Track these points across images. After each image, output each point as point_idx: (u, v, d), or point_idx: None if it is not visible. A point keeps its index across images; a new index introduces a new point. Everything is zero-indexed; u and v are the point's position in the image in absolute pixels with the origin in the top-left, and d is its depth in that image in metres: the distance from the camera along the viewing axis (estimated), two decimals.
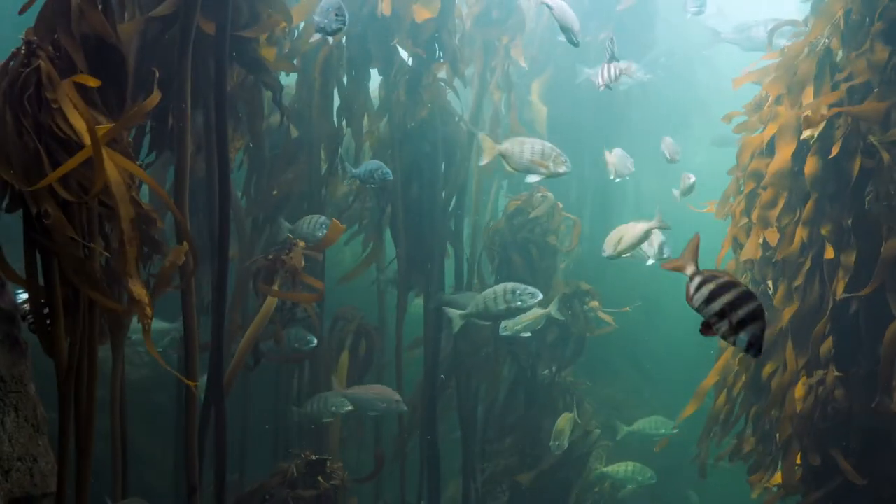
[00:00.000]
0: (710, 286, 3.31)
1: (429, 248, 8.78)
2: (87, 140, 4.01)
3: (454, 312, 7.15)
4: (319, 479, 6.94)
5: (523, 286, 6.64)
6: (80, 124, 4.06)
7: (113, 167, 4.14)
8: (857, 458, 6.21)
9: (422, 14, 8.00)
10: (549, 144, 6.39)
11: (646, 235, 7.31)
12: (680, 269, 3.46)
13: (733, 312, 3.24)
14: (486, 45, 9.48)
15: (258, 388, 8.11)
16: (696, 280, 3.36)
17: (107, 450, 5.07)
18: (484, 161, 6.71)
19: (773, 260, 6.77)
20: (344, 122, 8.41)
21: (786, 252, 6.63)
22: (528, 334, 8.33)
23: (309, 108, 8.30)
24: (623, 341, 10.92)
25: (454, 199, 8.99)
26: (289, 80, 8.41)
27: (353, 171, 7.70)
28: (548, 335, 9.11)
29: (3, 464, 3.75)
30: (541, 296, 6.68)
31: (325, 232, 7.20)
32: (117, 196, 4.12)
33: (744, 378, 7.22)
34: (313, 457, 6.98)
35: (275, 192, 8.02)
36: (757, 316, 3.23)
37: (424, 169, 8.78)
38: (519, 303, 6.50)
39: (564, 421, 8.29)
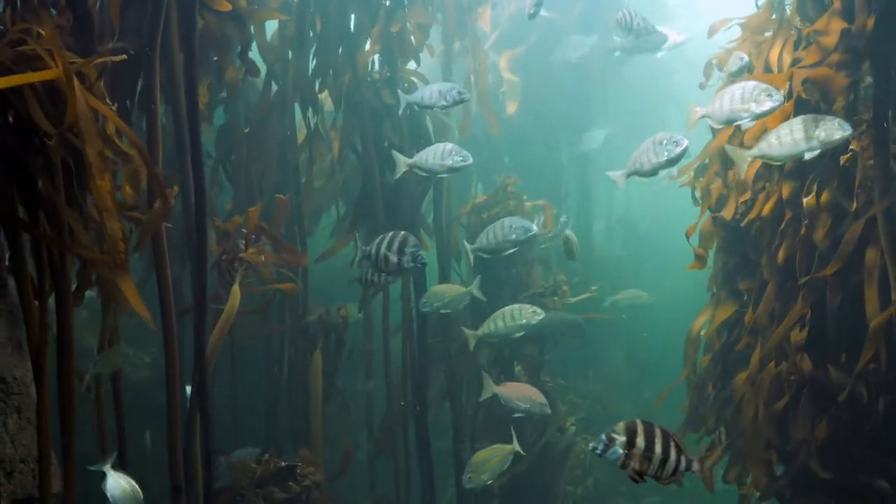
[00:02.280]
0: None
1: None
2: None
3: (616, 174, 6.53)
4: (291, 484, 7.16)
5: (669, 135, 6.12)
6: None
7: (82, 101, 4.15)
8: (824, 448, 6.45)
9: None
10: (751, 83, 5.82)
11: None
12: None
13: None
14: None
15: (246, 387, 8.28)
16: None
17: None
18: (688, 128, 6.44)
19: (750, 231, 6.99)
20: (318, 83, 8.58)
21: (760, 213, 6.84)
22: (449, 311, 8.37)
23: (284, 68, 8.47)
24: (615, 336, 11.25)
25: (427, 187, 9.14)
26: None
27: (410, 97, 7.19)
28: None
29: (6, 465, 3.91)
30: (686, 143, 6.08)
31: (454, 160, 6.79)
32: (84, 130, 4.11)
33: (712, 382, 7.54)
34: (283, 463, 7.22)
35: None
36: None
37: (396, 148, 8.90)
38: (666, 154, 5.94)
39: (484, 455, 7.42)
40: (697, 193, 7.65)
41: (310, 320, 8.68)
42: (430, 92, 6.88)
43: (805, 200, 6.43)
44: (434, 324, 9.27)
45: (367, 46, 8.59)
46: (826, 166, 6.38)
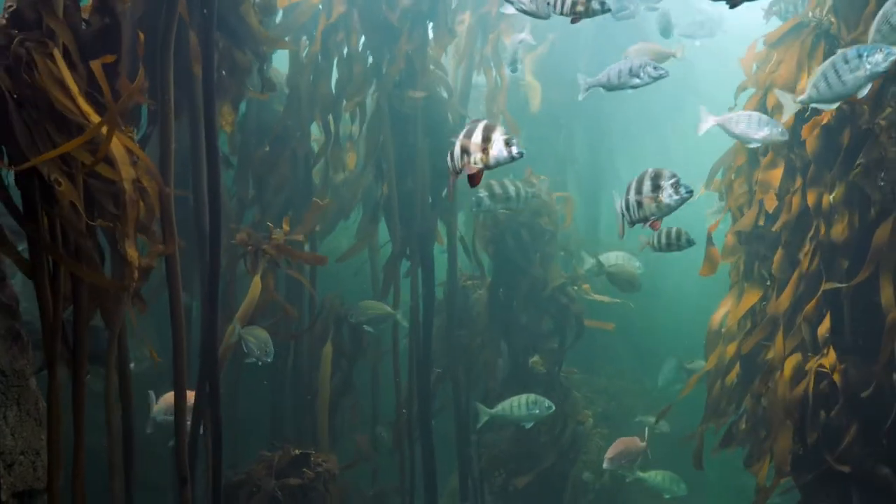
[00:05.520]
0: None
1: (420, 230, 8.95)
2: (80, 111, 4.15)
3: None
4: (305, 470, 7.15)
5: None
6: (75, 91, 4.18)
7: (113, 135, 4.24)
8: (849, 440, 6.39)
9: None
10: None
11: None
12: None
13: (471, 141, 3.75)
14: (480, 19, 9.53)
15: (250, 379, 8.27)
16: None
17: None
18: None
19: (772, 230, 6.93)
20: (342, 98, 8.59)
21: (785, 219, 6.81)
22: (371, 329, 8.41)
23: (304, 81, 8.49)
24: (623, 331, 11.12)
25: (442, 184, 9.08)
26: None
27: (592, 80, 6.28)
28: (542, 325, 9.33)
29: (6, 457, 3.88)
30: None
31: (772, 132, 6.00)
32: (119, 159, 4.24)
33: (737, 367, 7.44)
34: (297, 451, 7.18)
35: None
36: (492, 128, 3.71)
37: (416, 153, 8.91)
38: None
39: None
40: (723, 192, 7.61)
41: (322, 310, 8.67)
42: (619, 71, 5.96)
43: (828, 198, 6.38)
44: (443, 323, 9.24)
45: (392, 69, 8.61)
46: (844, 165, 6.36)
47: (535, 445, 9.33)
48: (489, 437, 9.42)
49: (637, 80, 5.91)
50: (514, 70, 8.89)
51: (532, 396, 8.25)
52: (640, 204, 4.70)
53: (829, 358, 6.39)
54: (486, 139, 3.69)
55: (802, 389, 6.54)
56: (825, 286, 6.42)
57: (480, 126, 3.76)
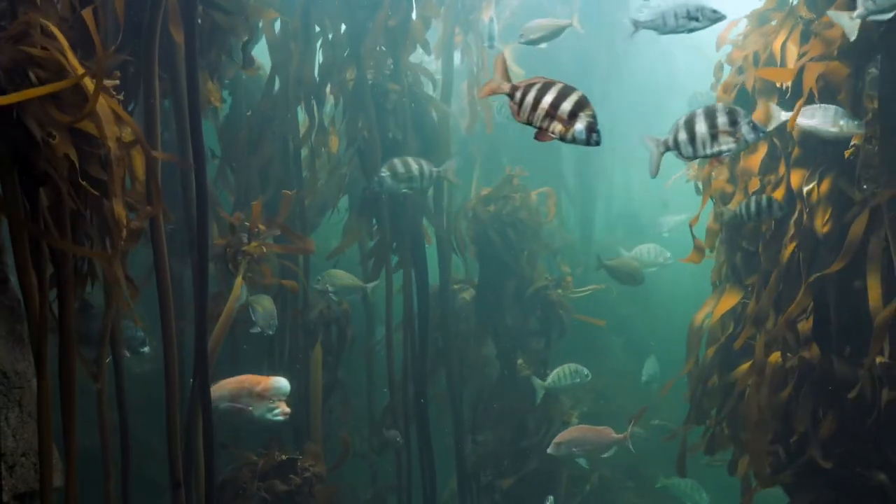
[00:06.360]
0: (532, 93, 3.56)
1: (408, 225, 9.08)
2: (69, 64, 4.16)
3: None
4: (292, 476, 7.21)
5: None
6: (64, 45, 4.18)
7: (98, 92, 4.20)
8: (831, 439, 6.51)
9: None
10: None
11: None
12: (497, 91, 3.65)
13: (560, 107, 3.54)
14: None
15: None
16: (518, 93, 3.59)
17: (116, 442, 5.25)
18: None
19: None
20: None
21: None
22: (335, 298, 8.60)
23: (288, 63, 8.60)
24: (622, 331, 11.29)
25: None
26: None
27: (642, 21, 5.77)
28: (529, 325, 9.44)
29: (8, 459, 3.94)
30: None
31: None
32: (103, 118, 4.23)
33: (717, 374, 7.60)
34: (283, 457, 7.30)
35: None
36: (584, 104, 3.52)
37: (400, 145, 9.04)
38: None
39: None
40: (699, 184, 7.70)
41: (311, 314, 8.74)
42: (675, 13, 5.61)
43: (805, 189, 6.44)
44: (435, 319, 9.31)
45: (372, 41, 8.71)
46: (830, 155, 6.45)
47: (520, 446, 9.45)
48: (483, 436, 9.53)
49: (696, 24, 5.69)
50: (490, 46, 9.35)
51: (573, 366, 8.88)
52: (714, 137, 4.69)
53: (812, 352, 6.49)
54: (574, 115, 3.58)
55: (784, 387, 6.68)
56: (808, 280, 6.52)
57: (574, 97, 3.61)
